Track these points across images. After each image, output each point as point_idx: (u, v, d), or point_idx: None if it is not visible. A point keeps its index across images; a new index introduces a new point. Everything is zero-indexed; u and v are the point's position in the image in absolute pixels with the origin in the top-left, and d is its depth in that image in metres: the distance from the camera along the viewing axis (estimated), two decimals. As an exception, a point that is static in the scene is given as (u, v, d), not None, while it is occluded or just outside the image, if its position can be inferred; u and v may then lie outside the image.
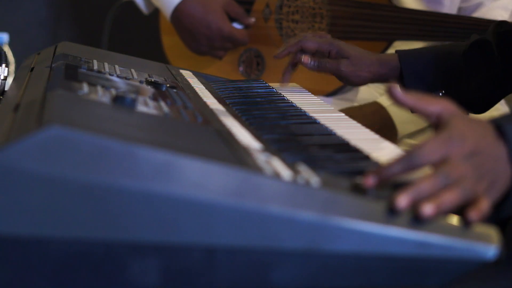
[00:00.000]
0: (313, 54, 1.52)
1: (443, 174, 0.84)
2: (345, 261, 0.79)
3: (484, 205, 0.84)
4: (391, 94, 0.90)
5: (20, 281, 0.77)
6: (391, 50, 2.03)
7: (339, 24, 2.02)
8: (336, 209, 0.80)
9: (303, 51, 1.52)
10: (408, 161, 0.85)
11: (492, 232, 0.81)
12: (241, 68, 2.11)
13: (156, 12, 2.17)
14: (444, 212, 0.83)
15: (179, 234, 0.77)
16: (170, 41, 2.17)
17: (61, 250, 0.76)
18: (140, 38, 2.64)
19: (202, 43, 2.03)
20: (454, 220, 0.82)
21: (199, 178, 0.78)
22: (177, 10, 2.03)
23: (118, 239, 0.77)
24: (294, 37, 1.54)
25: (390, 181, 0.86)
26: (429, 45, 1.60)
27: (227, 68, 2.13)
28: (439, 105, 0.91)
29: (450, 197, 0.83)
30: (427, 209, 0.81)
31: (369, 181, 0.84)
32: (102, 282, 0.78)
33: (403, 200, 0.81)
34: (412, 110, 0.92)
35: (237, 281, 0.79)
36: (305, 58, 1.49)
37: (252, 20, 2.06)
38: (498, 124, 0.91)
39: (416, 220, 0.81)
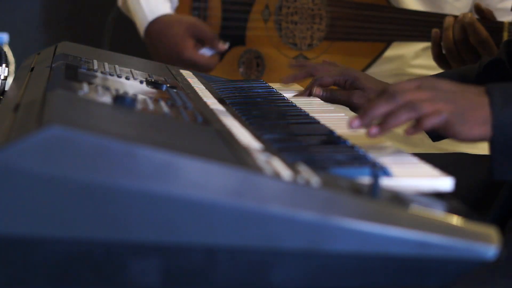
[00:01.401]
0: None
1: (397, 94, 0.98)
2: (345, 261, 0.79)
3: (428, 121, 0.97)
4: (351, 126, 1.01)
5: (20, 281, 0.77)
6: (389, 51, 2.03)
7: (338, 25, 2.02)
8: (336, 209, 0.80)
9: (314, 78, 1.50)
10: (388, 100, 0.99)
11: (492, 232, 0.81)
12: (241, 69, 2.11)
13: None
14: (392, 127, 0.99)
15: (179, 234, 0.77)
16: None
17: (61, 250, 0.76)
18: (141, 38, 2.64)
19: (170, 63, 2.01)
20: (454, 220, 0.82)
21: (199, 178, 0.78)
22: (146, 31, 2.03)
23: (118, 239, 0.77)
24: (303, 61, 1.53)
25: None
26: (442, 72, 1.60)
27: (227, 69, 2.13)
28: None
29: (396, 119, 0.98)
30: (373, 130, 0.99)
31: (355, 123, 1.00)
32: (102, 282, 0.78)
33: (356, 122, 1.00)
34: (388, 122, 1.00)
35: (237, 281, 0.79)
36: (317, 90, 1.47)
37: (224, 46, 2.02)
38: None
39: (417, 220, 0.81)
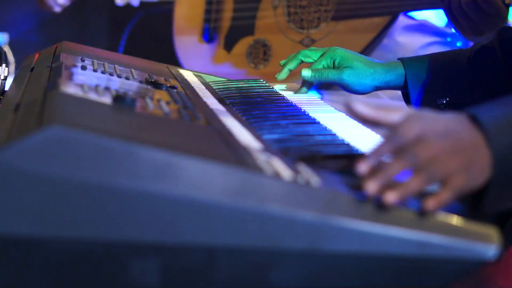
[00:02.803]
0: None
1: (412, 154, 0.83)
2: (345, 261, 0.79)
3: (445, 196, 0.83)
4: (349, 109, 0.88)
5: (20, 281, 0.77)
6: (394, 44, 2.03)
7: (345, 3, 2.04)
8: (336, 209, 0.80)
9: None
10: (391, 143, 0.85)
11: (492, 232, 0.81)
12: (248, 59, 2.13)
13: (170, 14, 2.22)
14: (410, 196, 0.83)
15: (179, 234, 0.77)
16: (182, 41, 2.22)
17: (61, 250, 0.76)
18: (153, 39, 2.65)
19: None
20: (454, 220, 0.82)
21: (199, 178, 0.78)
22: None
23: (118, 239, 0.77)
24: (293, 54, 1.54)
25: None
26: (433, 53, 1.60)
27: (236, 60, 2.16)
28: (399, 113, 0.88)
29: (415, 184, 0.83)
30: (390, 196, 0.82)
31: (362, 168, 0.84)
32: (102, 282, 0.78)
33: (372, 186, 0.82)
34: (373, 123, 0.89)
35: (237, 281, 0.79)
36: (305, 72, 1.47)
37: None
38: (472, 114, 0.88)
39: (416, 219, 0.81)
